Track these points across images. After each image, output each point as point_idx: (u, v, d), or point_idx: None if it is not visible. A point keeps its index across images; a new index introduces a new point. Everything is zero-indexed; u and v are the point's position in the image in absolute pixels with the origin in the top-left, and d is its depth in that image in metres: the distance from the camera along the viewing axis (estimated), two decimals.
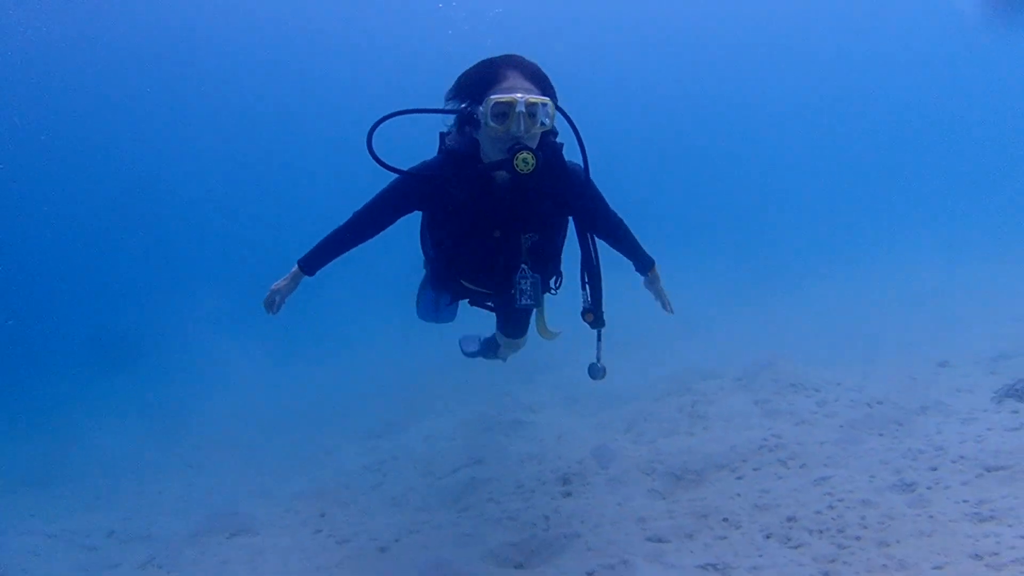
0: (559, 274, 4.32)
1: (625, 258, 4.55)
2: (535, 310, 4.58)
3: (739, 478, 4.88)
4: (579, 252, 4.22)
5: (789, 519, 4.10)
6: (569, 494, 5.12)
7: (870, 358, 7.35)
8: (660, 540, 4.12)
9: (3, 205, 19.59)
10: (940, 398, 5.71)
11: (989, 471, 4.19)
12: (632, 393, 7.45)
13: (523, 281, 3.96)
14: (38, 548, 5.67)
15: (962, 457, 4.40)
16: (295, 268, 4.06)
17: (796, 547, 3.79)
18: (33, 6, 17.83)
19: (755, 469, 4.95)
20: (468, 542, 4.40)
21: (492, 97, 3.52)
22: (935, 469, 4.36)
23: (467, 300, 4.61)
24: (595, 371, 4.25)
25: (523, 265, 3.96)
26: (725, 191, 21.26)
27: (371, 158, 3.60)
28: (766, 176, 21.84)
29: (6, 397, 10.56)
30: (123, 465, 7.29)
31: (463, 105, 3.69)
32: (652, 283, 4.62)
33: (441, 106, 3.82)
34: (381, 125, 3.62)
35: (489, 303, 4.58)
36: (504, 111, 3.52)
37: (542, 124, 3.58)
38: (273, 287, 4.06)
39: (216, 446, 7.43)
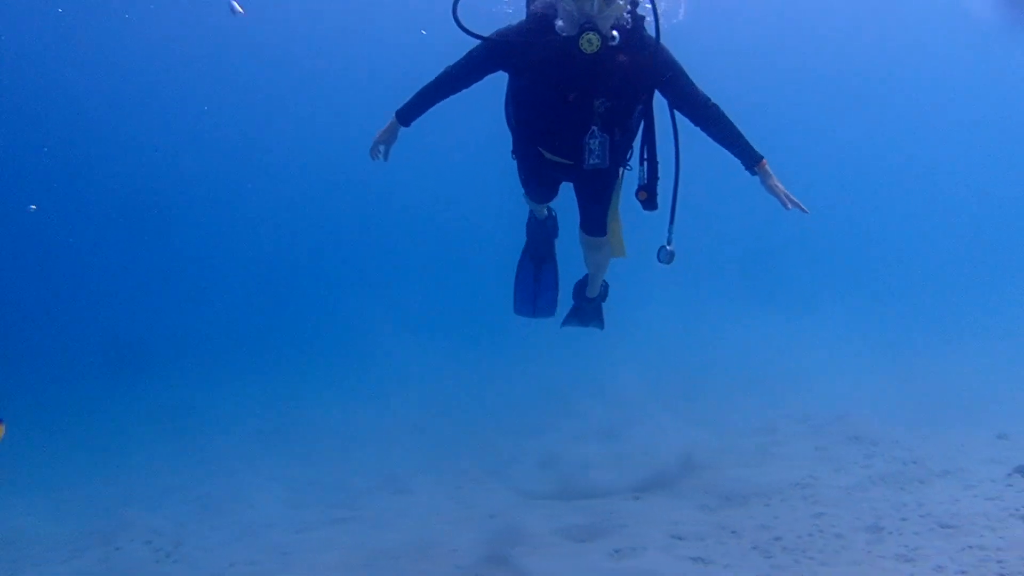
0: (631, 146, 4.47)
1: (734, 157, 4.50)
2: (609, 210, 4.76)
3: (766, 505, 6.36)
4: (655, 133, 4.37)
5: (777, 538, 5.59)
6: (638, 498, 6.80)
7: (945, 422, 8.36)
8: (679, 538, 5.75)
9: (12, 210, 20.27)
10: (968, 465, 6.84)
11: (942, 527, 5.47)
12: (735, 429, 8.86)
13: (592, 141, 4.14)
14: (261, 487, 8.00)
15: (929, 514, 5.69)
16: (392, 119, 4.55)
17: (767, 558, 5.32)
18: (42, 7, 18.13)
19: (782, 500, 6.41)
20: (550, 520, 6.23)
21: None
22: (905, 520, 5.68)
23: (549, 187, 4.92)
24: (663, 255, 4.42)
25: (593, 127, 4.14)
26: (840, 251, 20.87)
27: (457, 27, 3.94)
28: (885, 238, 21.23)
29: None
30: (336, 431, 9.67)
31: None
32: (765, 181, 4.44)
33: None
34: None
35: (569, 175, 4.69)
36: None
37: (618, 7, 3.81)
38: (375, 138, 4.62)
39: (404, 427, 9.62)
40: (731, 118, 4.35)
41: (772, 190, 4.41)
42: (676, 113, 4.35)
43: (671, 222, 4.36)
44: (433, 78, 4.38)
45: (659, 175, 4.31)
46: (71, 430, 10.47)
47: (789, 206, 4.37)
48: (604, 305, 5.93)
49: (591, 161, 4.21)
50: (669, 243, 4.35)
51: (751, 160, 4.41)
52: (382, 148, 4.65)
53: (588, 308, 5.83)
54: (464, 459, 8.24)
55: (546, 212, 5.81)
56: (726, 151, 4.48)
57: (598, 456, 8.09)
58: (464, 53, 4.27)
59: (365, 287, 19.82)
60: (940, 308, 14.04)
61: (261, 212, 22.92)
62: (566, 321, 5.92)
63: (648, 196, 4.25)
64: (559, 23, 3.90)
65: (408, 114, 4.53)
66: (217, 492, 7.78)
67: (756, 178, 4.49)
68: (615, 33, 3.89)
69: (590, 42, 3.67)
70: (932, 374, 10.09)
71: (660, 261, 4.39)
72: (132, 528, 6.68)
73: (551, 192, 5.08)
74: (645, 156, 4.30)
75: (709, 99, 4.30)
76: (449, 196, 22.12)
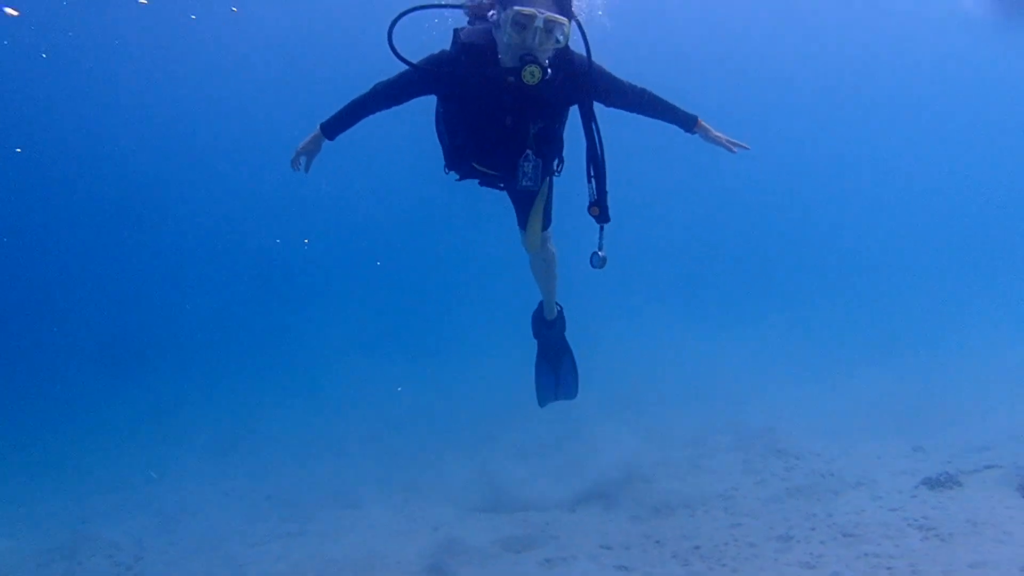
0: (561, 158, 4.63)
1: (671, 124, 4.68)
2: (532, 209, 4.92)
3: (691, 515, 6.85)
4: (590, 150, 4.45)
5: (696, 547, 6.07)
6: (574, 510, 7.27)
7: (866, 434, 8.90)
8: (607, 547, 6.22)
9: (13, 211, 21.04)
10: (880, 477, 7.37)
11: (844, 536, 5.98)
12: (670, 442, 9.32)
13: (526, 164, 4.31)
14: (215, 501, 8.36)
15: (836, 524, 6.20)
16: (317, 130, 4.50)
17: (683, 565, 5.79)
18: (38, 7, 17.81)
19: (705, 511, 6.90)
20: (489, 532, 6.67)
21: (515, 8, 3.83)
22: (813, 529, 6.19)
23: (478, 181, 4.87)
24: (595, 260, 4.53)
25: (528, 151, 4.31)
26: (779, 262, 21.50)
27: (390, 50, 4.03)
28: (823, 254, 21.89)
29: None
30: (289, 446, 10.02)
31: (489, 6, 4.07)
32: (706, 135, 4.66)
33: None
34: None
35: (500, 184, 4.75)
36: (524, 23, 3.83)
37: (556, 41, 3.92)
38: (298, 148, 4.56)
39: (354, 440, 9.99)
40: (659, 94, 4.58)
41: (715, 141, 4.65)
42: (598, 125, 4.44)
43: (601, 229, 4.47)
44: (362, 93, 4.40)
45: (607, 190, 4.42)
46: (27, 446, 10.70)
47: (735, 150, 4.65)
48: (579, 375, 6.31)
49: (524, 183, 4.37)
50: (600, 249, 4.47)
51: (689, 123, 4.62)
52: (303, 160, 4.61)
53: (551, 339, 6.00)
54: (411, 472, 8.65)
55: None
56: (679, 137, 4.74)
57: (539, 468, 8.53)
58: (396, 73, 4.31)
59: (316, 302, 20.19)
60: (869, 322, 14.65)
61: (215, 228, 23.12)
62: (540, 384, 6.24)
63: (600, 211, 4.40)
64: (499, 51, 4.02)
65: (334, 128, 4.50)
66: (175, 506, 8.11)
67: (696, 136, 4.70)
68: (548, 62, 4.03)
69: (532, 74, 3.82)
70: (857, 387, 10.65)
71: (593, 266, 4.51)
72: (93, 543, 7.00)
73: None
74: (592, 174, 4.41)
75: (638, 87, 4.51)
76: (400, 215, 22.46)
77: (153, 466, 9.36)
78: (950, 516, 6.04)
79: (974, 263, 19.59)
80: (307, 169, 4.65)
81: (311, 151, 4.58)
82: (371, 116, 4.49)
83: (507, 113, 4.20)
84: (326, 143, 4.60)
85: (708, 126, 4.63)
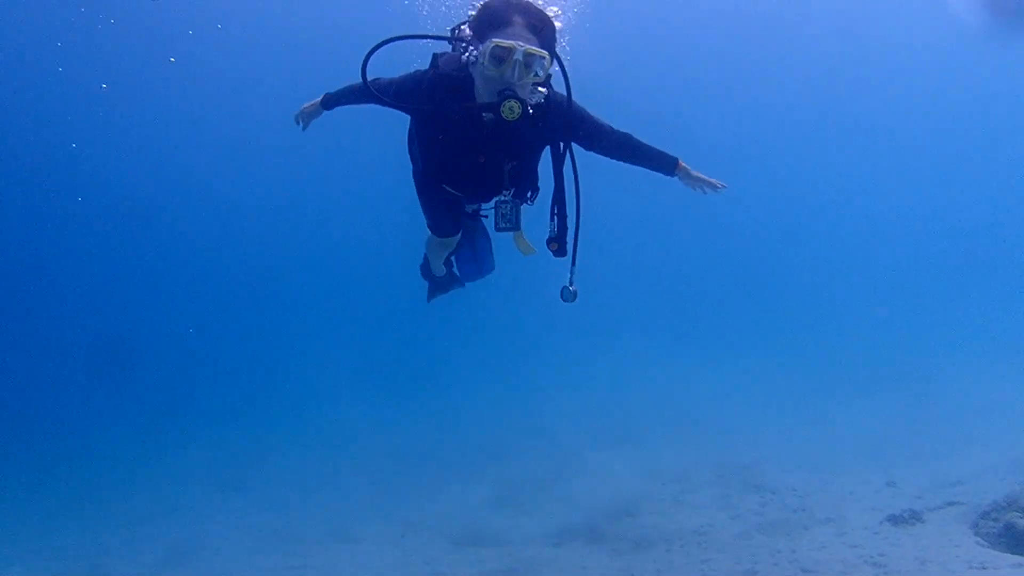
0: (536, 189, 4.48)
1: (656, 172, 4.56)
2: (514, 238, 4.67)
3: (667, 551, 7.28)
4: (567, 187, 4.32)
5: None
6: (558, 545, 7.71)
7: (843, 468, 9.29)
8: None
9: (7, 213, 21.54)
10: (849, 513, 7.78)
11: (804, 571, 6.41)
12: (655, 476, 9.74)
13: (504, 206, 4.22)
14: (224, 535, 8.87)
15: (797, 560, 6.62)
16: (320, 99, 4.68)
17: None
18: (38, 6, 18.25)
19: (680, 546, 7.34)
20: (476, 565, 7.13)
21: (494, 40, 3.65)
22: (776, 564, 6.61)
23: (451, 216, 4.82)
24: (566, 294, 4.46)
25: (505, 191, 4.21)
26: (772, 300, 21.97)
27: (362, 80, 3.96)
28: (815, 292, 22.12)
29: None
30: (293, 480, 10.54)
31: (466, 40, 3.92)
32: (687, 177, 4.54)
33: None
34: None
35: (470, 207, 4.81)
36: (502, 56, 3.67)
37: (535, 75, 3.76)
38: (302, 107, 4.76)
39: (356, 475, 10.51)
40: (640, 138, 4.45)
41: (696, 184, 4.52)
42: (576, 166, 4.30)
43: (573, 264, 4.39)
44: (362, 82, 4.19)
45: (567, 227, 4.33)
46: (45, 482, 11.27)
47: (720, 187, 4.52)
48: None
49: (502, 225, 4.28)
50: (571, 284, 4.42)
51: (669, 167, 4.48)
52: (304, 118, 4.81)
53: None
54: (408, 507, 9.11)
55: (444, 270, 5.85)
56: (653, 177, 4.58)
57: (528, 502, 8.98)
58: (386, 79, 4.23)
59: (320, 343, 20.71)
60: (853, 358, 14.90)
61: (217, 263, 23.61)
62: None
63: (559, 247, 4.32)
64: (476, 86, 3.88)
65: (333, 103, 4.67)
66: (187, 541, 8.59)
67: (675, 179, 4.56)
68: (531, 100, 3.88)
69: (511, 109, 3.65)
70: (839, 421, 11.05)
71: (564, 300, 4.45)
72: None
73: (457, 224, 5.06)
74: (555, 212, 4.32)
75: (620, 131, 4.38)
76: (393, 257, 22.91)
77: (165, 500, 9.88)
78: (903, 553, 6.44)
79: (957, 302, 19.89)
80: (305, 128, 4.90)
81: (311, 114, 4.81)
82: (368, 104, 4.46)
83: (481, 150, 4.10)
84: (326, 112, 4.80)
85: (688, 167, 4.51)
